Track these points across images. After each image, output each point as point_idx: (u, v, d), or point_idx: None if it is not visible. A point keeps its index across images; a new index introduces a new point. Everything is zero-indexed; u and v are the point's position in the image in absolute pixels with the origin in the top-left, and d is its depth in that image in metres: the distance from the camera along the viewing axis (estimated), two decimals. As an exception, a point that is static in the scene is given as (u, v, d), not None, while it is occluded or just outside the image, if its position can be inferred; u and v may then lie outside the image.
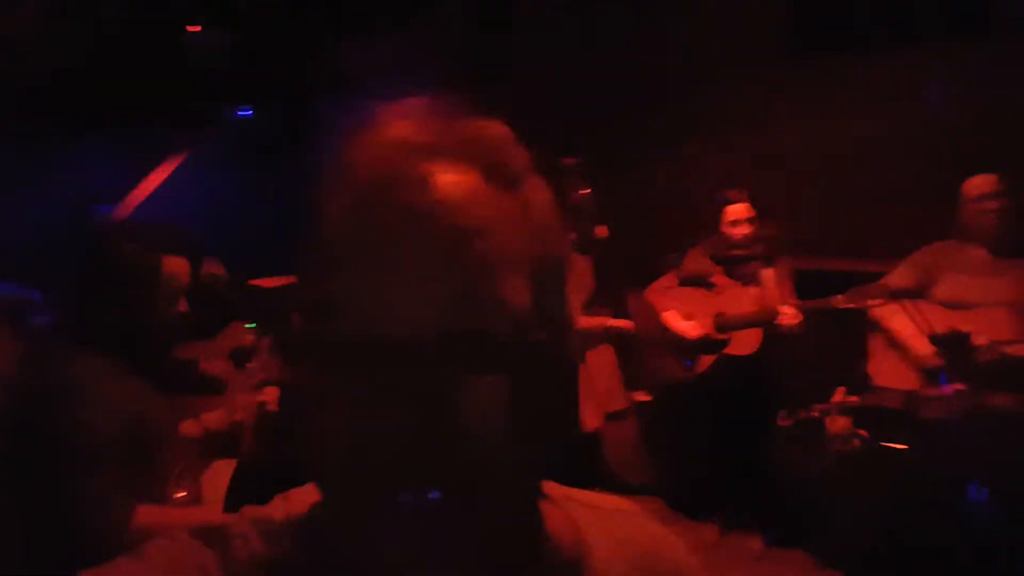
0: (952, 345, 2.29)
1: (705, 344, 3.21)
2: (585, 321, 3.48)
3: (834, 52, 3.87)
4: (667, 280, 3.49)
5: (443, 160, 0.47)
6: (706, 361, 3.20)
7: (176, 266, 1.89)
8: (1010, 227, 2.84)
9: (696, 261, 3.34)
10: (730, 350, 3.15)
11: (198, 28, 5.42)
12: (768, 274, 3.09)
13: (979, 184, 2.91)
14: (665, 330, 3.33)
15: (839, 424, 1.74)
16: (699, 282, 3.31)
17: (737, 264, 3.22)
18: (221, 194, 4.96)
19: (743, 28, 4.11)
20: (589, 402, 3.44)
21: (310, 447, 0.48)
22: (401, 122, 0.49)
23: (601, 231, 3.79)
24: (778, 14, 4.04)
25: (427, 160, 0.47)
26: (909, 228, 3.27)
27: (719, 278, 3.26)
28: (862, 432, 1.72)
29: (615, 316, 3.65)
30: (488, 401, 0.44)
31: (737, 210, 3.19)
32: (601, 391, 3.51)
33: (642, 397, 3.62)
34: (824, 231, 3.73)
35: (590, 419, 3.41)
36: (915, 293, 2.91)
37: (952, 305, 2.81)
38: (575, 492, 0.60)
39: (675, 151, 4.20)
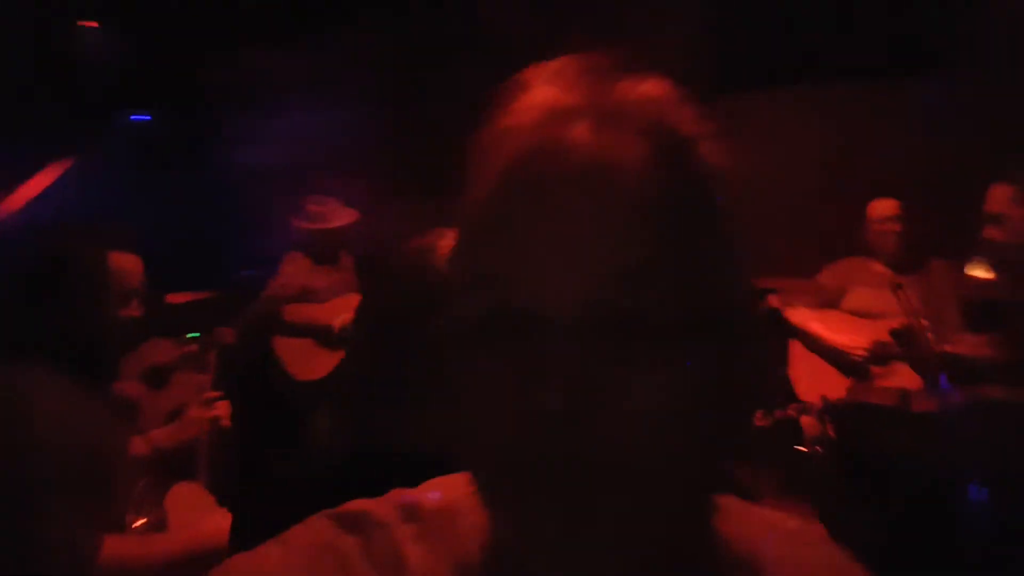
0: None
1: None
2: None
3: (751, 89, 4.15)
4: None
5: (602, 124, 0.45)
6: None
7: (126, 263, 1.72)
8: (908, 246, 3.18)
9: None
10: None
11: (94, 24, 5.04)
12: None
13: (882, 207, 3.25)
14: None
15: (810, 423, 1.84)
16: None
17: None
18: (112, 200, 4.62)
19: (667, 63, 4.31)
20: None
21: (457, 434, 0.45)
22: (557, 85, 0.47)
23: None
24: (699, 55, 4.29)
25: (584, 124, 0.44)
26: (821, 247, 3.58)
27: None
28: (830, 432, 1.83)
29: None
30: (654, 388, 0.41)
31: None
32: None
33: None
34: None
35: None
36: (828, 304, 3.18)
37: (860, 315, 3.12)
38: (754, 508, 0.56)
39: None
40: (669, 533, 0.44)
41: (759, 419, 2.35)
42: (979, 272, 3.29)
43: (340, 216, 3.88)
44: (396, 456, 0.85)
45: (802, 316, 3.20)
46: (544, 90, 0.46)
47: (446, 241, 0.92)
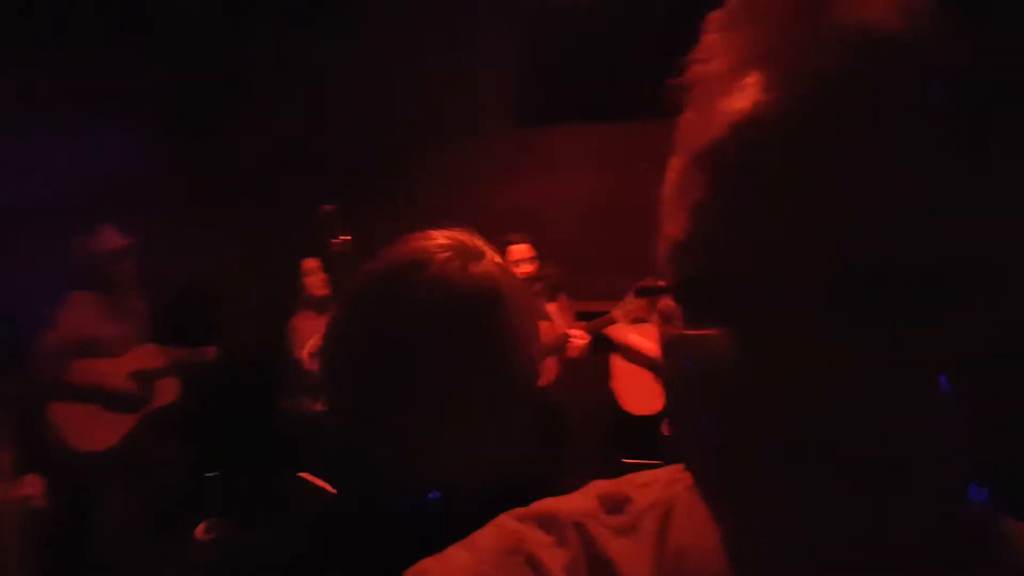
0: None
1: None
2: None
3: (549, 124, 4.47)
4: None
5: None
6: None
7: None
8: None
9: None
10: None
11: None
12: (552, 307, 3.33)
13: None
14: None
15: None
16: None
17: None
18: None
19: (471, 100, 4.52)
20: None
21: (678, 424, 0.41)
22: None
23: None
24: (501, 91, 4.53)
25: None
26: (620, 271, 3.90)
27: None
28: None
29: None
30: (911, 358, 0.35)
31: (519, 250, 3.40)
32: None
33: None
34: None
35: None
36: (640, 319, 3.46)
37: None
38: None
39: (423, 204, 4.34)
40: (927, 539, 0.38)
41: (666, 428, 2.44)
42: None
43: (115, 239, 3.30)
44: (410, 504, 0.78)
45: (620, 331, 3.43)
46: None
47: (440, 249, 0.83)
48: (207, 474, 3.94)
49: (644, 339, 3.43)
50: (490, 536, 0.49)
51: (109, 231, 3.36)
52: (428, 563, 0.49)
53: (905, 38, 0.36)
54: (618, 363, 3.57)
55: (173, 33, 4.01)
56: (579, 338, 3.18)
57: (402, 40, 4.36)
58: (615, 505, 0.49)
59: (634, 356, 3.49)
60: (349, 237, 3.73)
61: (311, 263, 3.44)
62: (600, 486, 0.51)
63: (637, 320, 3.15)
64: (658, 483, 0.50)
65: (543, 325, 3.32)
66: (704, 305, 0.38)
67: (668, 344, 0.41)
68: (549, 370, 3.29)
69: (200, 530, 3.42)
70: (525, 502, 0.51)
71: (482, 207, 4.34)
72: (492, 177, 4.46)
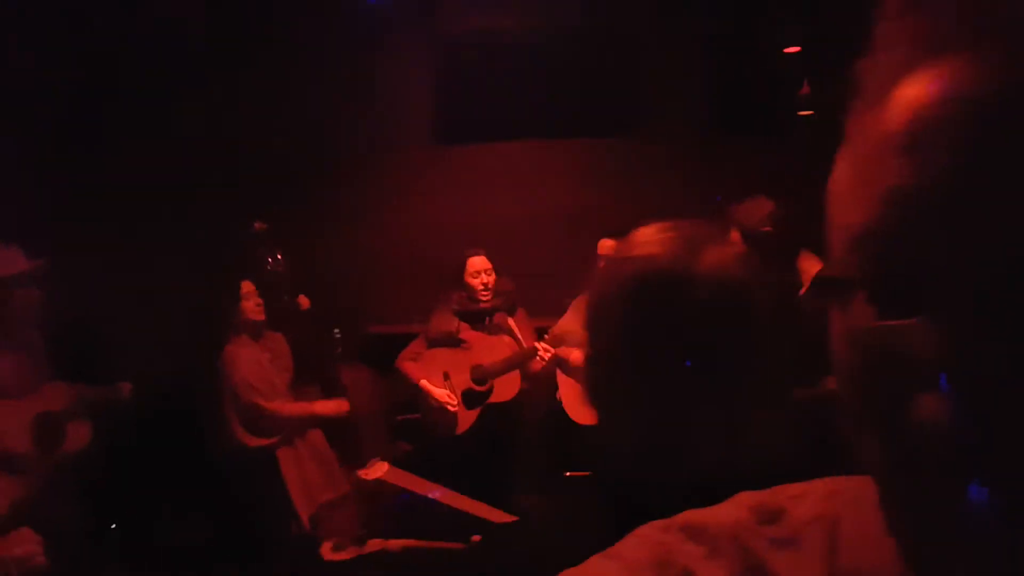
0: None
1: (468, 399, 3.22)
2: (292, 407, 3.21)
3: (471, 142, 4.49)
4: (416, 346, 3.42)
5: None
6: (471, 416, 3.21)
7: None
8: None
9: (441, 321, 3.35)
10: (494, 398, 3.24)
11: None
12: (513, 322, 3.33)
13: (604, 245, 3.74)
14: (427, 398, 3.28)
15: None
16: (448, 341, 3.33)
17: (482, 317, 3.35)
18: None
19: (397, 117, 4.46)
20: (300, 493, 3.19)
21: (862, 423, 0.39)
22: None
23: (303, 301, 3.50)
24: (422, 109, 4.48)
25: None
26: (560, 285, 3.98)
27: (467, 334, 3.34)
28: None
29: (325, 394, 3.38)
30: None
31: (477, 261, 3.37)
32: (313, 480, 3.25)
33: (374, 474, 3.36)
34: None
35: (303, 511, 3.17)
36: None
37: None
38: None
39: (352, 221, 4.19)
40: None
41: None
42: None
43: (15, 263, 2.83)
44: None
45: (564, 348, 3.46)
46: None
47: (705, 238, 0.84)
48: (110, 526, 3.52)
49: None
50: (636, 547, 0.48)
51: (9, 253, 2.93)
52: (570, 574, 0.47)
53: None
54: (562, 379, 3.57)
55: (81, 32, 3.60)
56: (545, 352, 3.19)
57: (328, 59, 4.22)
58: (769, 516, 0.46)
59: (573, 371, 3.50)
60: (281, 256, 3.52)
61: (248, 286, 3.19)
62: (748, 497, 0.48)
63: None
64: (814, 495, 0.47)
65: (506, 339, 3.31)
66: (900, 294, 0.35)
67: (855, 336, 0.38)
68: (511, 383, 3.26)
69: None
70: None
71: (405, 223, 4.31)
72: (413, 194, 4.41)
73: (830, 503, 0.45)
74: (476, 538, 1.92)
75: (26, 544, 1.55)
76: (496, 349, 3.29)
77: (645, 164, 4.35)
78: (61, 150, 3.74)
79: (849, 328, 0.38)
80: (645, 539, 0.48)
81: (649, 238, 0.86)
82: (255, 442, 3.14)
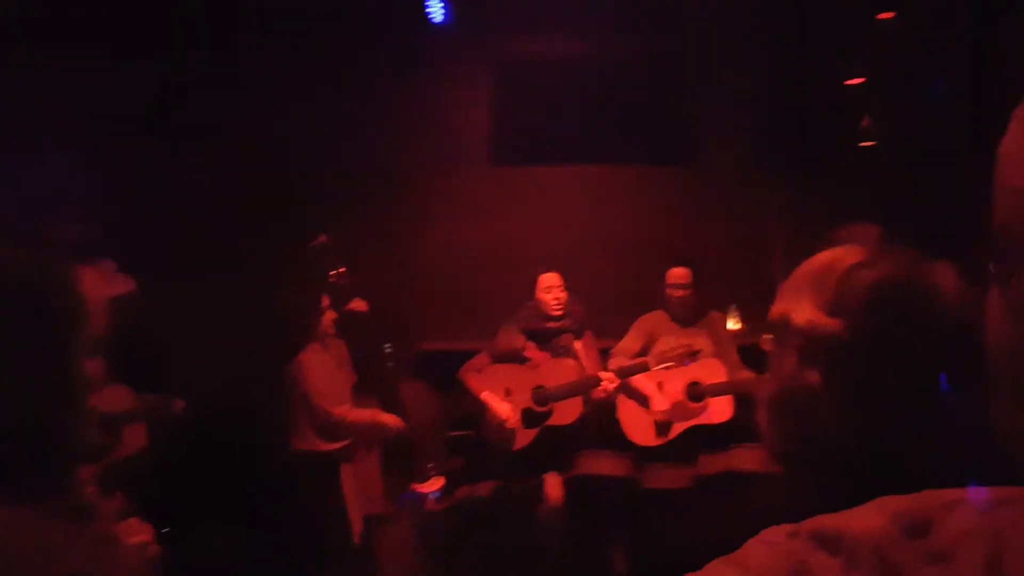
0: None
1: (528, 417, 3.20)
2: (357, 413, 3.20)
3: (530, 164, 4.52)
4: (481, 359, 3.40)
5: None
6: (528, 435, 3.18)
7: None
8: (692, 303, 3.69)
9: (508, 337, 3.35)
10: (553, 421, 3.20)
11: None
12: (580, 345, 3.31)
13: (675, 273, 3.74)
14: (487, 411, 3.25)
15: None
16: (513, 358, 3.33)
17: (550, 337, 3.34)
18: None
19: (455, 137, 4.52)
20: (356, 507, 3.19)
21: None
22: None
23: (359, 304, 3.50)
24: (481, 130, 4.53)
25: None
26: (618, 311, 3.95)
27: (533, 352, 3.33)
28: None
29: (384, 407, 3.37)
30: None
31: (550, 278, 3.37)
32: (366, 495, 3.27)
33: (428, 488, 3.34)
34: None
35: (356, 524, 3.17)
36: (643, 352, 3.49)
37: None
38: None
39: (408, 238, 4.24)
40: None
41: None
42: (731, 323, 4.08)
43: (121, 283, 2.97)
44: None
45: (643, 380, 3.41)
46: None
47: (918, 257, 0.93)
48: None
49: (644, 382, 3.40)
50: (763, 554, 0.45)
51: (109, 272, 3.00)
52: None
53: None
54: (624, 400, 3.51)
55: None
56: (609, 381, 3.16)
57: (390, 80, 4.28)
58: (916, 526, 0.43)
59: (641, 399, 3.45)
60: (344, 269, 3.54)
61: (326, 299, 3.25)
62: (892, 502, 0.45)
63: (669, 365, 3.18)
64: (968, 506, 0.43)
65: (571, 363, 3.27)
66: None
67: (1019, 308, 0.36)
68: (572, 407, 3.23)
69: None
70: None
71: (459, 242, 4.33)
72: (469, 213, 4.43)
73: (989, 516, 0.41)
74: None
75: (138, 534, 1.55)
76: (560, 371, 3.27)
77: (700, 193, 4.36)
78: (127, 159, 3.81)
79: (1012, 302, 0.37)
80: (773, 546, 0.45)
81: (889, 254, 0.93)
82: (325, 446, 3.15)
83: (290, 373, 3.11)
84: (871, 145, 3.87)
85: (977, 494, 0.43)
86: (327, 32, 4.18)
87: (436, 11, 4.13)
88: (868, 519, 0.44)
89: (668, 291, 3.63)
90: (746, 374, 3.34)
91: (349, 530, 3.17)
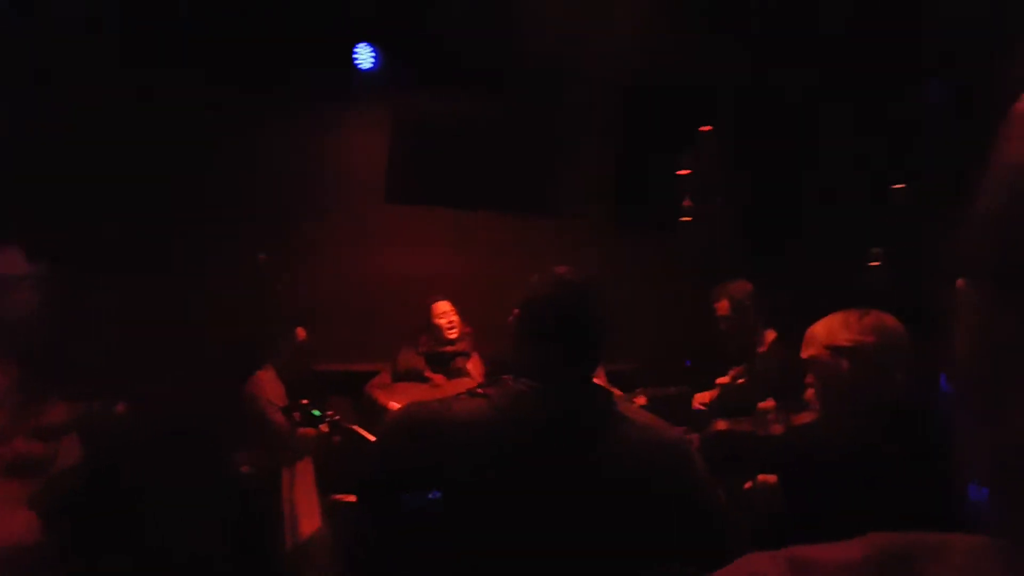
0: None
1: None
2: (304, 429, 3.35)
3: (420, 203, 5.10)
4: (383, 378, 3.77)
5: None
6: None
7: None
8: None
9: (408, 358, 3.76)
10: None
11: None
12: (471, 366, 3.86)
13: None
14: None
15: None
16: (414, 377, 3.74)
17: (447, 360, 3.81)
18: None
19: (356, 177, 4.99)
20: (290, 517, 3.34)
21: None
22: None
23: (300, 332, 3.78)
24: (377, 171, 5.02)
25: None
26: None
27: (432, 374, 3.79)
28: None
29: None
30: None
31: (443, 305, 3.81)
32: (301, 507, 3.40)
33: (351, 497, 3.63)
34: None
35: (289, 535, 3.33)
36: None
37: None
38: None
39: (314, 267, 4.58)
40: None
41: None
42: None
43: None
44: None
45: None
46: None
47: None
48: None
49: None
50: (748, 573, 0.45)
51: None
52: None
53: None
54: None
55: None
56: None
57: (305, 125, 4.65)
58: (894, 566, 0.41)
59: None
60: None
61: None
62: (878, 539, 0.44)
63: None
64: (955, 552, 0.41)
65: (467, 383, 3.86)
66: None
67: (984, 324, 0.38)
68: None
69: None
70: None
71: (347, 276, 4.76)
72: (357, 247, 4.91)
73: (975, 565, 0.40)
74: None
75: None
76: (459, 390, 3.74)
77: (559, 241, 5.19)
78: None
79: (977, 318, 0.38)
80: (752, 573, 0.45)
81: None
82: (272, 459, 3.32)
83: (248, 389, 3.32)
84: (687, 220, 4.94)
85: (964, 541, 0.42)
86: (241, 71, 4.47)
87: (365, 58, 4.45)
88: (849, 552, 0.43)
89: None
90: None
91: (283, 536, 3.31)
